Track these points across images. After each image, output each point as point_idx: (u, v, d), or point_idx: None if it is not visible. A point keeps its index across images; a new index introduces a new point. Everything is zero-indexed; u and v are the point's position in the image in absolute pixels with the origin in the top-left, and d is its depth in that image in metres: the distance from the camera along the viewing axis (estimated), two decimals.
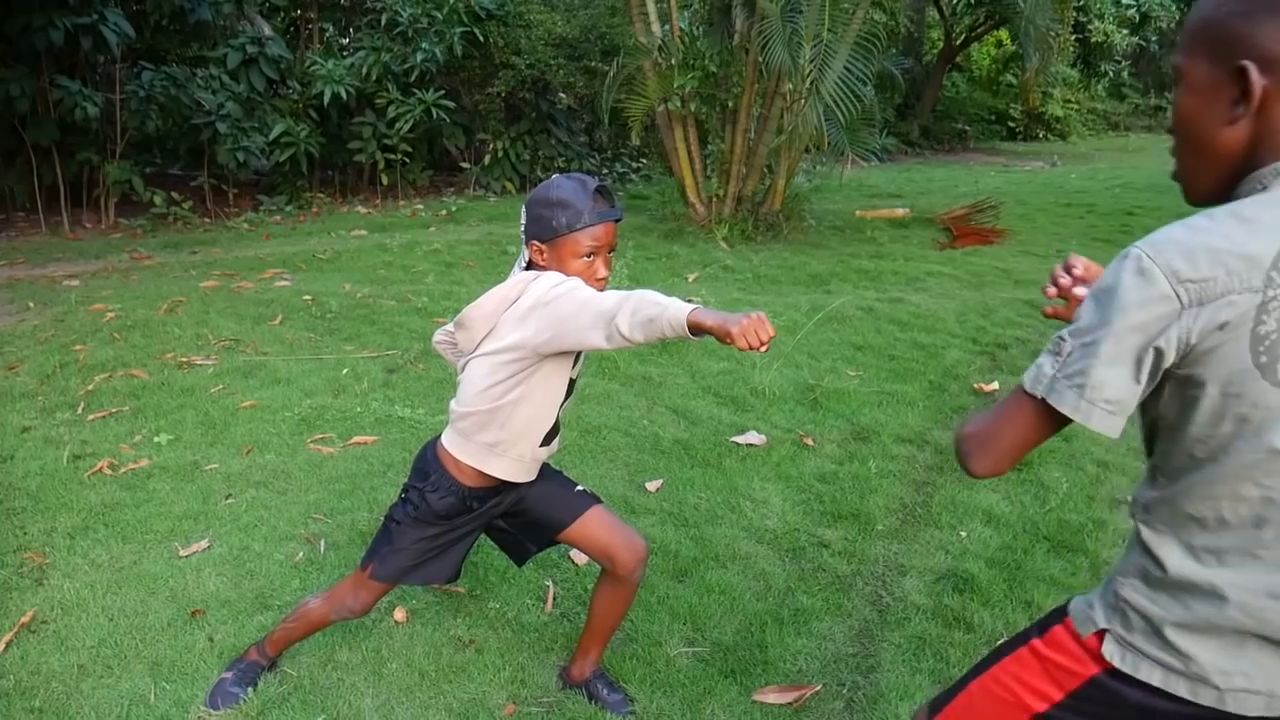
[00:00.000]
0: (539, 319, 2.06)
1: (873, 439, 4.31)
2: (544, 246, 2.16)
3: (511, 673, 2.66)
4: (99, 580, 3.08)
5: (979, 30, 20.07)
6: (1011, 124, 23.25)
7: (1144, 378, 1.17)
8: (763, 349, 1.78)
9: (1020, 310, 6.66)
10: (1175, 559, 1.25)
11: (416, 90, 11.05)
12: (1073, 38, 18.77)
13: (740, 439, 4.28)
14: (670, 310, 1.85)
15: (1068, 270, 1.54)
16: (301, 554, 3.27)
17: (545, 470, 2.44)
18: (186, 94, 9.96)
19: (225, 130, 10.15)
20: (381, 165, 11.39)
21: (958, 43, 20.35)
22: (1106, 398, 1.17)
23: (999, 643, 1.65)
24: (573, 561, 3.24)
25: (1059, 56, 16.88)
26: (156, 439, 4.21)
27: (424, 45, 10.95)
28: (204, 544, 3.32)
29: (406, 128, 11.01)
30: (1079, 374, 1.18)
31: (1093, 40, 20.49)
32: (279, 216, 10.55)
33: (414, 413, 4.52)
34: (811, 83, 7.96)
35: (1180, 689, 1.26)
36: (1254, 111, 1.17)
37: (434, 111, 10.99)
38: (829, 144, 8.87)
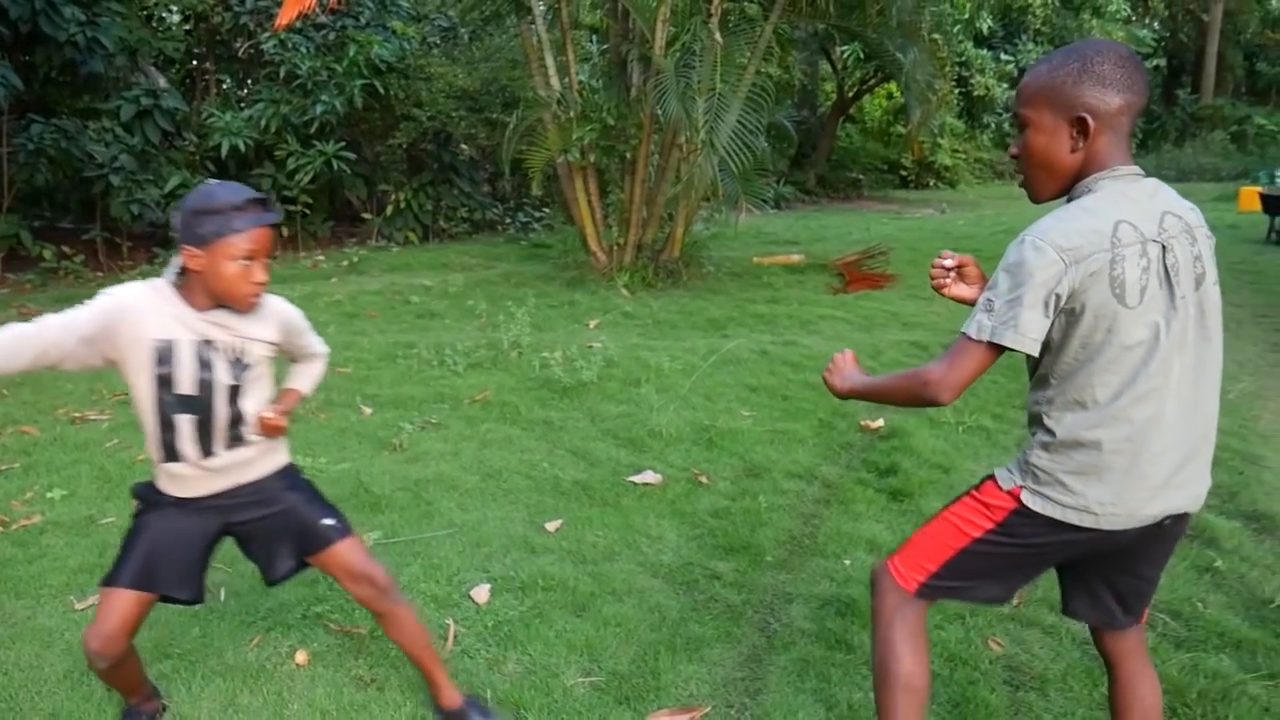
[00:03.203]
0: None
1: (764, 475, 4.49)
2: (199, 251, 2.20)
3: (414, 709, 2.73)
4: None
5: (870, 83, 20.88)
6: (904, 173, 24.17)
7: (1050, 315, 1.82)
8: None
9: (907, 351, 6.96)
10: (1064, 429, 1.89)
11: (316, 142, 11.09)
12: (956, 91, 19.67)
13: (637, 479, 4.42)
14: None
15: (943, 262, 2.20)
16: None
17: (304, 491, 2.51)
18: (78, 146, 9.84)
19: (119, 183, 10.04)
20: (281, 217, 11.35)
21: (850, 95, 21.15)
22: (1032, 332, 1.82)
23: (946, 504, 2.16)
24: (473, 600, 3.32)
25: (943, 109, 17.66)
26: (49, 494, 4.16)
27: (324, 97, 11.02)
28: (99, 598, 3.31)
29: (307, 179, 11.04)
30: (1012, 319, 1.82)
31: (975, 94, 21.49)
32: None
33: (315, 461, 4.55)
34: (706, 134, 8.25)
35: (1072, 518, 1.91)
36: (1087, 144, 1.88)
37: (334, 163, 11.04)
38: (724, 193, 9.17)
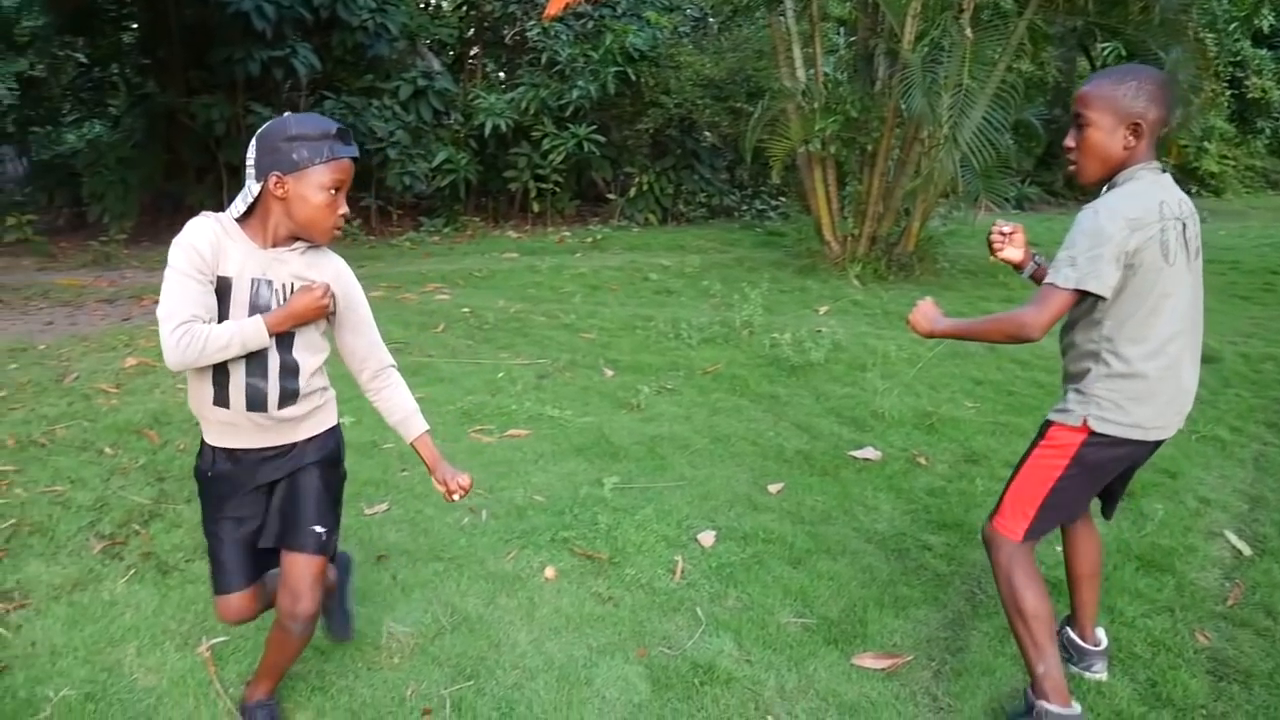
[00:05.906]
0: None
1: (982, 462, 4.61)
2: (286, 178, 2.14)
3: (643, 624, 3.10)
4: None
5: None
6: None
7: (1121, 268, 2.34)
8: None
9: None
10: (1124, 362, 2.43)
11: (570, 124, 11.75)
12: (1227, 93, 18.39)
13: (858, 453, 4.64)
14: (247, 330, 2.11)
15: (1001, 229, 2.72)
16: (467, 520, 3.79)
17: (326, 474, 2.47)
18: (362, 122, 10.88)
19: (394, 156, 11.06)
20: (533, 193, 12.11)
21: None
22: (1110, 281, 2.34)
23: (1017, 463, 2.66)
24: (699, 543, 3.66)
25: (1211, 111, 16.59)
26: (341, 420, 4.80)
27: (580, 83, 11.67)
28: (384, 506, 3.88)
29: (559, 159, 11.72)
30: (1094, 272, 2.32)
31: (1250, 96, 20.03)
32: (437, 237, 11.36)
33: (562, 413, 5.03)
34: (950, 130, 8.26)
35: (1125, 433, 2.47)
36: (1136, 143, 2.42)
37: (585, 145, 11.67)
38: (964, 190, 9.13)
